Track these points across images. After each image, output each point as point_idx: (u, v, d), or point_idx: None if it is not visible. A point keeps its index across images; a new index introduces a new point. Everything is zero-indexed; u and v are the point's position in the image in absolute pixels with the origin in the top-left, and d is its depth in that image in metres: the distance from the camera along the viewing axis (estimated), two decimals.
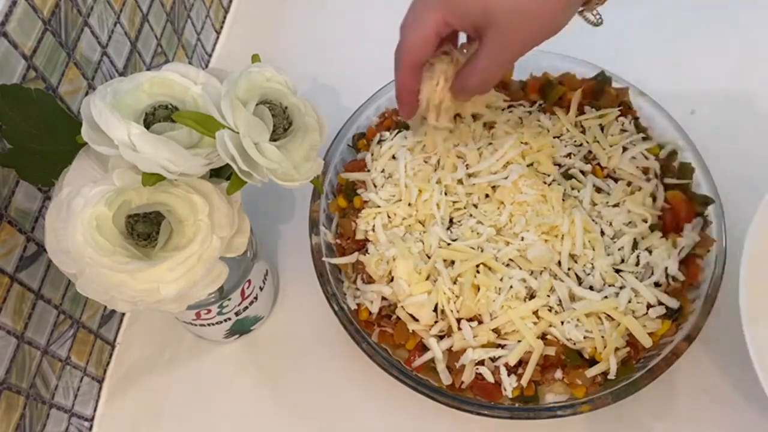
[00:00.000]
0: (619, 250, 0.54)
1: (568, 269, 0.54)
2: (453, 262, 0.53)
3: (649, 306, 0.52)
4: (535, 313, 0.52)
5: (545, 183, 0.56)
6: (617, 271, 0.53)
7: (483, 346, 0.51)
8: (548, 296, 0.52)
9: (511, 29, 0.43)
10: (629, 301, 0.51)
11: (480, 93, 0.50)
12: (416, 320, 0.53)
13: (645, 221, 0.55)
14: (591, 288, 0.53)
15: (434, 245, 0.54)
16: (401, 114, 0.53)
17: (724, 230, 0.56)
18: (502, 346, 0.51)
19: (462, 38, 0.51)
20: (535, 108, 0.61)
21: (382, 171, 0.59)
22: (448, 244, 0.54)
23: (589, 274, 0.53)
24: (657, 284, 0.53)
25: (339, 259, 0.57)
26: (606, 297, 0.51)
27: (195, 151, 0.40)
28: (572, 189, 0.57)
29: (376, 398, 0.56)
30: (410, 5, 0.47)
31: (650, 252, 0.54)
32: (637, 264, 0.54)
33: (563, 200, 0.55)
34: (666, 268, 0.53)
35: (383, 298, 0.54)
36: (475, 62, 0.46)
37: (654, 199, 0.57)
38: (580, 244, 0.53)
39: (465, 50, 0.50)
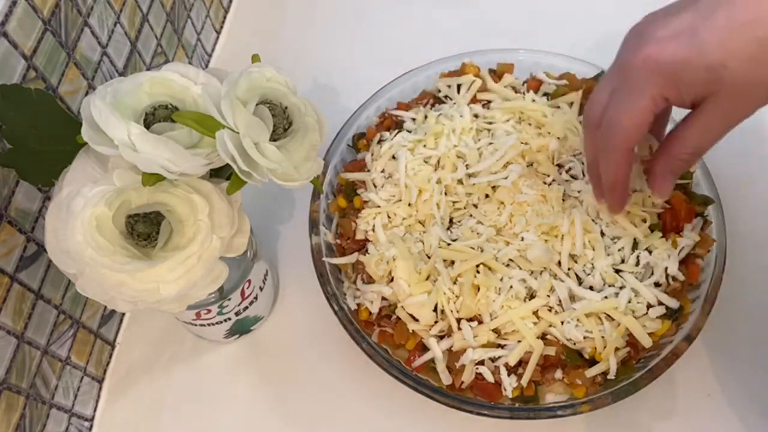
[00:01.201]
0: (619, 250, 0.54)
1: (568, 269, 0.54)
2: (453, 262, 0.53)
3: (649, 306, 0.52)
4: (535, 313, 0.51)
5: (545, 183, 0.56)
6: (617, 271, 0.53)
7: (483, 346, 0.51)
8: (548, 296, 0.52)
9: (739, 97, 0.39)
10: (629, 301, 0.51)
11: (682, 172, 0.46)
12: (416, 320, 0.52)
13: (645, 221, 0.55)
14: (591, 288, 0.53)
15: (434, 245, 0.54)
16: (612, 208, 0.49)
17: (724, 230, 0.56)
18: (502, 346, 0.51)
19: None
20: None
21: (382, 171, 0.59)
22: (448, 244, 0.54)
23: (589, 274, 0.53)
24: (657, 284, 0.53)
25: (339, 260, 0.57)
26: (606, 297, 0.51)
27: (195, 151, 0.40)
28: (572, 189, 0.57)
29: (376, 398, 0.56)
30: (606, 77, 0.43)
31: (650, 252, 0.54)
32: (637, 264, 0.53)
33: (563, 200, 0.55)
34: (666, 268, 0.53)
35: (383, 298, 0.54)
36: (688, 132, 0.42)
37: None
38: (580, 244, 0.53)
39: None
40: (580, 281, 0.53)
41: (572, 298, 0.52)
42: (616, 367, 0.50)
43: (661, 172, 0.46)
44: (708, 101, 0.40)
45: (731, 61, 0.37)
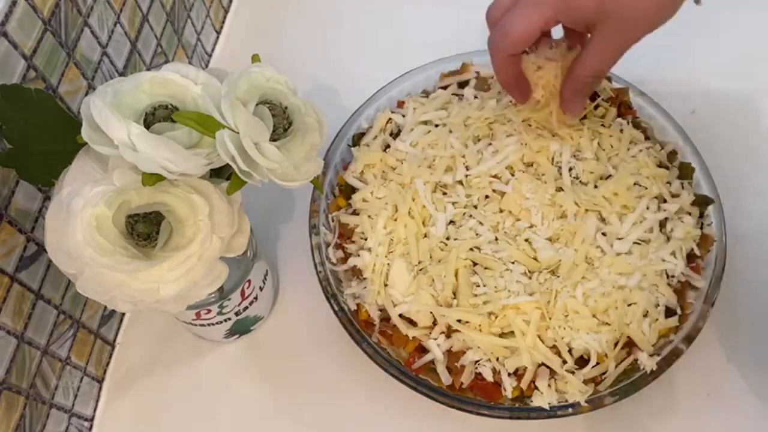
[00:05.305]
0: (627, 253, 0.54)
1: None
2: (451, 263, 0.53)
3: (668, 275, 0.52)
4: (534, 313, 0.51)
5: (544, 183, 0.56)
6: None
7: (483, 346, 0.51)
8: (548, 301, 0.51)
9: (625, 22, 0.43)
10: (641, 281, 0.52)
11: (589, 92, 0.50)
12: (414, 324, 0.52)
13: (651, 230, 0.55)
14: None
15: (433, 246, 0.54)
16: (516, 100, 0.53)
17: (724, 230, 0.56)
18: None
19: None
20: None
21: (382, 171, 0.59)
22: (446, 245, 0.54)
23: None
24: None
25: (338, 267, 0.56)
26: (619, 287, 0.51)
27: (195, 151, 0.40)
28: (574, 189, 0.56)
29: (376, 398, 0.56)
30: None
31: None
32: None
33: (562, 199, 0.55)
34: (668, 270, 0.53)
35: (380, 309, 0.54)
36: (586, 57, 0.46)
37: None
38: (585, 246, 0.53)
39: (553, 45, 0.50)
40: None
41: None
42: (615, 367, 0.50)
43: (569, 94, 0.50)
44: (599, 28, 0.44)
45: None
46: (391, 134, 0.61)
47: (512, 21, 0.45)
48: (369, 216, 0.56)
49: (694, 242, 0.55)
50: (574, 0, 0.43)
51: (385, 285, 0.53)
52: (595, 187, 0.56)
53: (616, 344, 0.50)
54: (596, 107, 0.61)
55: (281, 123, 0.42)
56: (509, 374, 0.50)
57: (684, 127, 0.61)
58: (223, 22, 0.79)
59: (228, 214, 0.42)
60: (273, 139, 0.41)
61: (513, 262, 0.53)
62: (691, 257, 0.55)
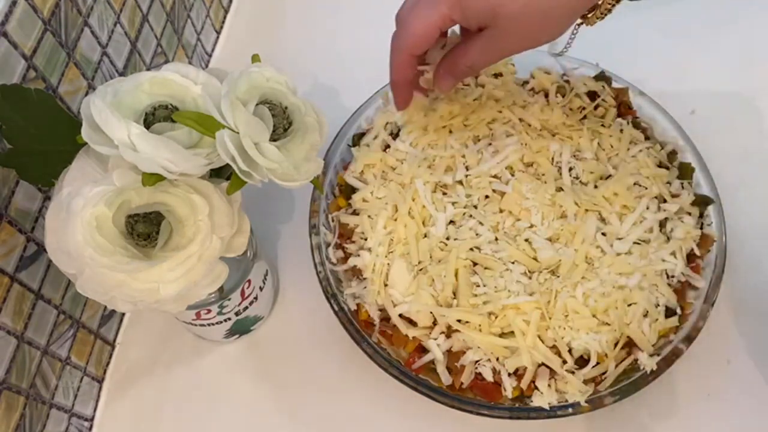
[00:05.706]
0: (627, 253, 0.54)
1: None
2: (451, 263, 0.53)
3: (669, 275, 0.53)
4: (534, 313, 0.51)
5: (543, 182, 0.56)
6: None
7: (483, 346, 0.51)
8: (548, 301, 0.51)
9: (511, 32, 0.45)
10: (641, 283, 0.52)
11: (462, 78, 0.52)
12: (414, 324, 0.52)
13: (651, 230, 0.55)
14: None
15: (433, 246, 0.54)
16: (396, 104, 0.54)
17: (724, 230, 0.56)
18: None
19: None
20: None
21: (382, 171, 0.59)
22: (446, 245, 0.54)
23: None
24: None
25: (338, 267, 0.56)
26: (618, 287, 0.51)
27: (195, 151, 0.40)
28: (575, 189, 0.56)
29: (376, 398, 0.56)
30: None
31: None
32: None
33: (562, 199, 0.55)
34: (668, 270, 0.53)
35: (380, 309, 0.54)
36: (469, 49, 0.48)
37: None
38: (586, 246, 0.53)
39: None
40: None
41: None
42: (615, 367, 0.50)
43: (444, 71, 0.51)
44: (488, 29, 0.46)
45: (507, 3, 0.43)
46: (391, 134, 0.61)
47: (412, 18, 0.47)
48: (369, 216, 0.56)
49: (694, 242, 0.55)
50: (468, 2, 0.45)
51: (385, 285, 0.53)
52: (595, 187, 0.56)
53: (616, 344, 0.50)
54: (596, 107, 0.61)
55: (281, 123, 0.42)
56: (509, 374, 0.50)
57: (684, 127, 0.61)
58: (223, 22, 0.79)
59: (228, 214, 0.42)
60: (273, 139, 0.41)
61: (513, 262, 0.53)
62: (691, 257, 0.55)
